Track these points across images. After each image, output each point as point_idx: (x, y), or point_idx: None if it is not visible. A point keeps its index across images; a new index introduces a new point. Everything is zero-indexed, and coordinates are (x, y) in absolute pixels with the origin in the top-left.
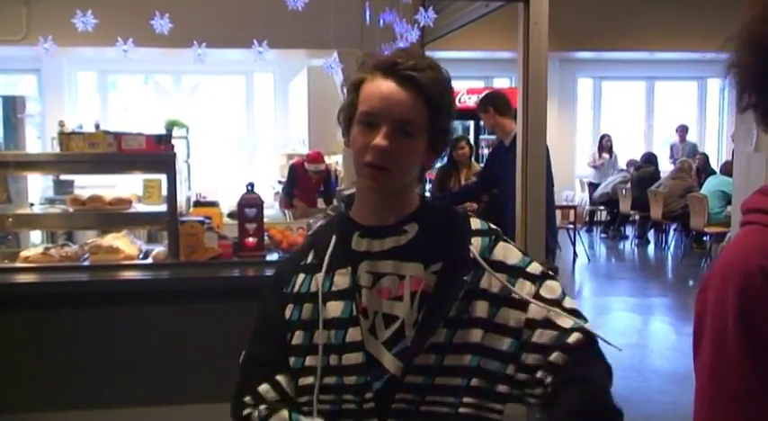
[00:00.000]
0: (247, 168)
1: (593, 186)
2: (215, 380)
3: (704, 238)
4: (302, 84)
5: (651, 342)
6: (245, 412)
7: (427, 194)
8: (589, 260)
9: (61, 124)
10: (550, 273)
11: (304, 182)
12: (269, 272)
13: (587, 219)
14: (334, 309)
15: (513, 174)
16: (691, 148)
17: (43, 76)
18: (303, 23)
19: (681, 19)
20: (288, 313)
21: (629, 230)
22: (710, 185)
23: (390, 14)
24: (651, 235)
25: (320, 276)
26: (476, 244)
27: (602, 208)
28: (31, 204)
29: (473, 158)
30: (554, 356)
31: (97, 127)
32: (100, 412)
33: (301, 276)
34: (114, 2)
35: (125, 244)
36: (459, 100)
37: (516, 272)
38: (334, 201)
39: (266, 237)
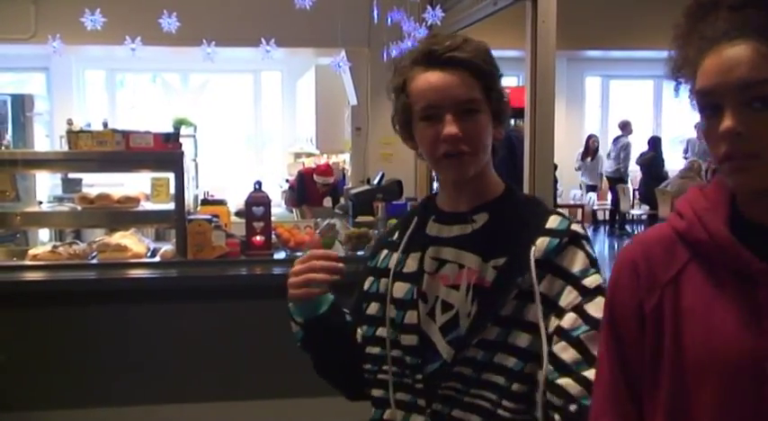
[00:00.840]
0: (255, 167)
1: (590, 188)
2: (223, 378)
3: None
4: (310, 82)
5: None
6: None
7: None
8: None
9: (69, 122)
10: (602, 289)
11: (311, 191)
12: (276, 270)
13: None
14: (400, 289)
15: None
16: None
17: (52, 75)
18: (311, 22)
19: None
20: (367, 285)
21: (636, 230)
22: None
23: (398, 13)
24: None
25: (396, 255)
26: (540, 244)
27: (607, 205)
28: (40, 202)
29: None
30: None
31: (105, 125)
32: (107, 410)
33: (384, 251)
34: (123, 0)
35: (133, 242)
36: None
37: (571, 279)
38: (342, 201)
39: (274, 236)
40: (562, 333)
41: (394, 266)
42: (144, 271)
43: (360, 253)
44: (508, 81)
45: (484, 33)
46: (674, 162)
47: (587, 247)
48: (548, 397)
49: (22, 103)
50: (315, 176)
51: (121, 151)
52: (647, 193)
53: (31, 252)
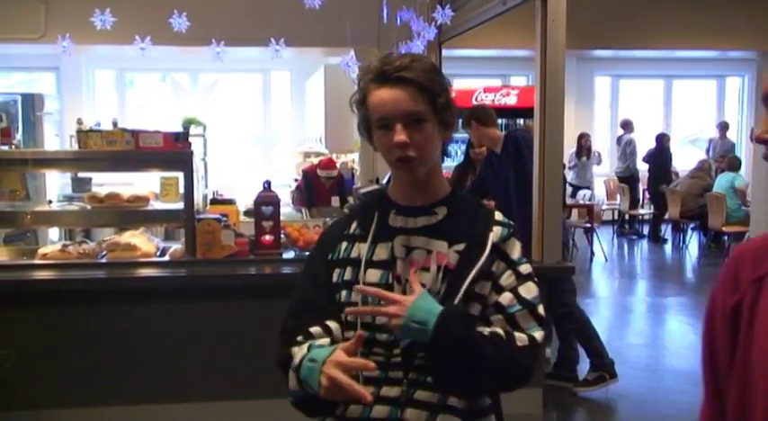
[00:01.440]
0: (264, 166)
1: (573, 188)
2: (231, 377)
3: (723, 238)
4: (319, 82)
5: (668, 342)
6: (293, 349)
7: None
8: (606, 259)
9: (79, 122)
10: (535, 278)
11: (317, 187)
12: (285, 269)
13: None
14: (374, 275)
15: (508, 178)
16: (731, 146)
17: (62, 74)
18: (320, 22)
19: (700, 17)
20: (335, 277)
21: (646, 229)
22: (722, 183)
23: (407, 12)
24: (668, 234)
25: (364, 246)
26: (496, 232)
27: (617, 204)
28: (50, 201)
29: None
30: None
31: (115, 125)
32: (116, 409)
33: (344, 244)
34: (132, 0)
35: (142, 241)
36: (476, 98)
37: (512, 264)
38: (350, 200)
39: (283, 235)
40: (500, 308)
41: (365, 255)
42: (153, 270)
43: None
44: (517, 80)
45: (493, 33)
46: (683, 161)
47: (520, 239)
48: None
49: (32, 103)
50: (318, 171)
51: (131, 151)
52: (655, 192)
53: (41, 251)
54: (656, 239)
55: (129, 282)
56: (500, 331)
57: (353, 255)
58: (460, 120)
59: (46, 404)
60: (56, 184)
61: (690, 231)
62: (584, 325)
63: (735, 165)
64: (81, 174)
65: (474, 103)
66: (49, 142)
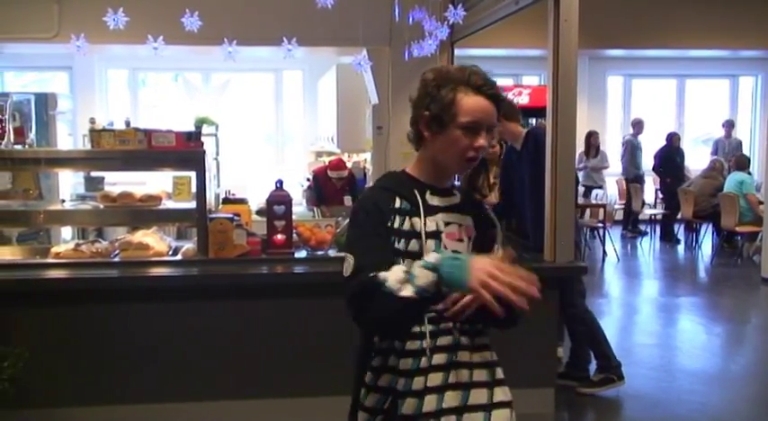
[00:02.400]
0: (276, 165)
1: (585, 188)
2: (244, 376)
3: (736, 238)
4: (331, 81)
5: (681, 342)
6: (379, 274)
7: None
8: (618, 259)
9: (92, 121)
10: None
11: (327, 188)
12: (297, 269)
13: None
14: (430, 245)
15: (528, 174)
16: (737, 145)
17: (75, 74)
18: (332, 21)
19: (713, 16)
20: (400, 244)
21: (651, 229)
22: (733, 183)
23: (420, 12)
24: (681, 234)
25: (418, 220)
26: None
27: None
28: (63, 201)
29: (502, 157)
30: None
31: (128, 124)
32: (129, 407)
33: (398, 217)
34: (145, 0)
35: (155, 240)
36: None
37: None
38: None
39: (295, 235)
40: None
41: (419, 229)
42: (165, 269)
43: None
44: (529, 80)
45: (505, 32)
46: (696, 161)
47: None
48: None
49: (45, 102)
50: (329, 172)
51: (143, 150)
52: (665, 192)
53: (54, 250)
54: (668, 239)
55: (141, 281)
56: None
57: (406, 227)
58: None
59: (60, 403)
60: (69, 184)
61: (703, 231)
62: (591, 326)
63: (744, 163)
64: (94, 174)
65: None
66: (62, 141)
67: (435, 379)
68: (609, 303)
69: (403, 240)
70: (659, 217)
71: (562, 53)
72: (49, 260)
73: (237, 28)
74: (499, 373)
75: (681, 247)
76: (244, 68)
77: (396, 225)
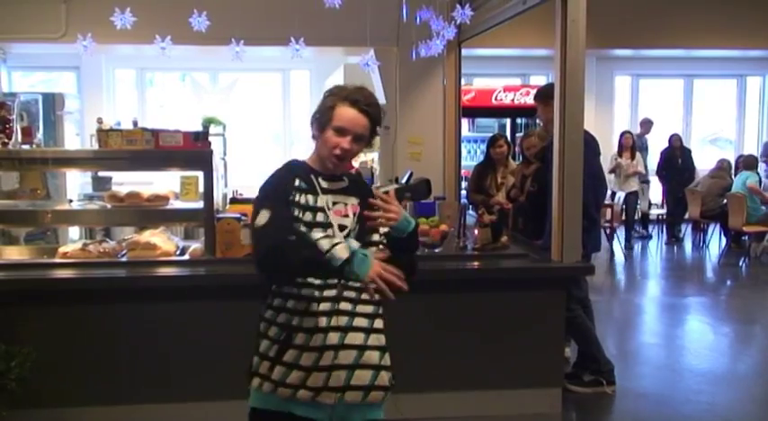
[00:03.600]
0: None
1: (630, 197)
2: None
3: (743, 238)
4: (338, 81)
5: (688, 342)
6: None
7: (463, 192)
8: (626, 259)
9: (99, 121)
10: None
11: None
12: None
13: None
14: (321, 217)
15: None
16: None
17: (82, 74)
18: (340, 21)
19: (720, 16)
20: (296, 212)
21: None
22: (740, 183)
23: (427, 12)
24: (688, 234)
25: (311, 196)
26: (376, 191)
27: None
28: (70, 200)
29: (509, 157)
30: None
31: (135, 124)
32: (136, 407)
33: (297, 193)
34: (152, 0)
35: (162, 240)
36: (496, 98)
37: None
38: None
39: None
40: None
41: (313, 204)
42: (173, 269)
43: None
44: (537, 80)
45: (513, 32)
46: (704, 162)
47: None
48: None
49: (52, 102)
50: None
51: (151, 150)
52: (669, 192)
53: (62, 250)
54: (668, 240)
55: (148, 280)
56: None
57: (304, 201)
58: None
59: (67, 402)
60: (76, 183)
61: (710, 231)
62: (584, 330)
63: (752, 163)
64: (101, 174)
65: (493, 102)
66: (69, 141)
67: (321, 321)
68: (616, 303)
69: (302, 211)
70: (665, 217)
71: (569, 53)
72: (57, 260)
73: (245, 28)
74: (378, 323)
75: (688, 247)
76: (251, 68)
77: (296, 199)
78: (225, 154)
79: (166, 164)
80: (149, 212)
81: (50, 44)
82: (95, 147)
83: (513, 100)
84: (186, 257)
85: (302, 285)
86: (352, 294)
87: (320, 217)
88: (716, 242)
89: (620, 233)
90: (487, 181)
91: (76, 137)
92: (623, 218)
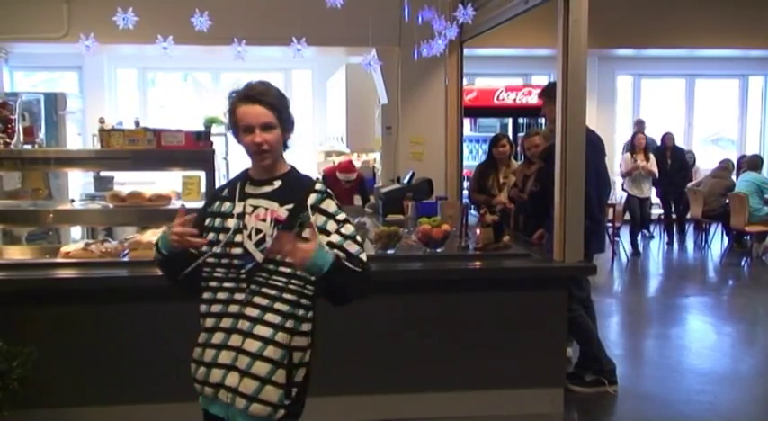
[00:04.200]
0: None
1: (635, 200)
2: None
3: (745, 238)
4: (340, 81)
5: (690, 341)
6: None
7: (465, 192)
8: (628, 259)
9: (101, 121)
10: (348, 220)
11: (336, 188)
12: None
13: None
14: (231, 222)
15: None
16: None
17: (84, 74)
18: (342, 21)
19: (722, 16)
20: (207, 221)
21: (659, 229)
22: (744, 183)
23: (429, 12)
24: (690, 233)
25: (227, 203)
26: (312, 197)
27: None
28: (72, 200)
29: (512, 157)
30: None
31: (137, 124)
32: (137, 407)
33: (217, 202)
34: (155, 0)
35: None
36: (497, 97)
37: (329, 216)
38: (372, 199)
39: None
40: (333, 245)
41: (229, 210)
42: None
43: (390, 251)
44: (539, 79)
45: (515, 31)
46: (706, 161)
47: (335, 200)
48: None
49: (54, 102)
50: (338, 174)
51: (153, 149)
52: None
53: (64, 249)
54: (669, 241)
55: (150, 280)
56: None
57: (223, 209)
58: (541, 94)
59: (68, 402)
60: (78, 183)
61: (713, 231)
62: (586, 330)
63: (756, 164)
64: (103, 173)
65: (495, 101)
66: (71, 141)
67: (226, 322)
68: (618, 303)
69: (213, 218)
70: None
71: (571, 52)
72: (59, 260)
73: (247, 28)
74: (281, 338)
75: (690, 247)
76: (253, 68)
77: (213, 208)
78: (227, 154)
79: (168, 163)
80: (151, 212)
81: (53, 44)
82: (97, 146)
83: (514, 100)
84: None
85: (216, 289)
86: (263, 301)
87: (230, 223)
88: (718, 242)
89: (624, 234)
90: (489, 181)
91: (78, 137)
92: (626, 218)
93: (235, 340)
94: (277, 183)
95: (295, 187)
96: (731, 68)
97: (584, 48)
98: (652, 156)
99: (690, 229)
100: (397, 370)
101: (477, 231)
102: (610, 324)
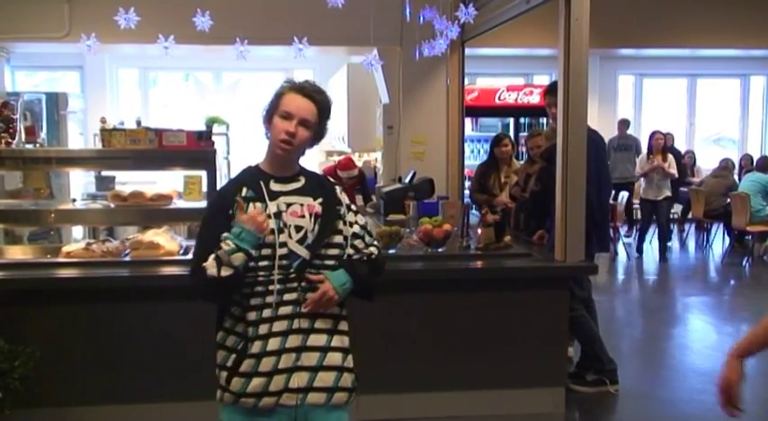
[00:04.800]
0: None
1: (649, 204)
2: None
3: (747, 237)
4: (342, 81)
5: (691, 341)
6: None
7: (466, 192)
8: (629, 258)
9: (103, 121)
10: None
11: None
12: None
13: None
14: (271, 223)
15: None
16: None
17: (85, 73)
18: (343, 20)
19: (724, 15)
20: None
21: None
22: (748, 183)
23: (430, 11)
24: (692, 233)
25: (259, 204)
26: (338, 189)
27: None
28: (73, 200)
29: (513, 156)
30: (366, 249)
31: (138, 123)
32: (139, 407)
33: (244, 203)
34: (156, 0)
35: (166, 239)
36: (499, 97)
37: (347, 207)
38: (373, 198)
39: None
40: (356, 236)
41: (267, 210)
42: (176, 268)
43: (391, 251)
44: (540, 79)
45: (516, 31)
46: (707, 161)
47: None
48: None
49: (56, 102)
50: (338, 172)
51: (154, 149)
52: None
53: (65, 249)
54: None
55: (152, 280)
56: (365, 251)
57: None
58: (546, 95)
59: (70, 402)
60: (79, 183)
61: (714, 231)
62: (588, 329)
63: (766, 166)
64: (104, 173)
65: (497, 101)
66: (72, 141)
67: (280, 325)
68: (620, 302)
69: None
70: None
71: (573, 52)
72: (60, 259)
73: (248, 27)
74: (343, 325)
75: (692, 247)
76: (254, 68)
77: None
78: (228, 153)
79: (170, 163)
80: (153, 212)
81: (54, 44)
82: (99, 146)
83: (516, 99)
84: (189, 257)
85: (263, 294)
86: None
87: (271, 224)
88: (719, 242)
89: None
90: (491, 180)
91: (80, 136)
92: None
93: (293, 341)
94: (302, 179)
95: (315, 182)
96: (733, 68)
97: (585, 47)
98: (671, 157)
99: (691, 229)
100: (398, 369)
101: (479, 231)
102: (611, 323)
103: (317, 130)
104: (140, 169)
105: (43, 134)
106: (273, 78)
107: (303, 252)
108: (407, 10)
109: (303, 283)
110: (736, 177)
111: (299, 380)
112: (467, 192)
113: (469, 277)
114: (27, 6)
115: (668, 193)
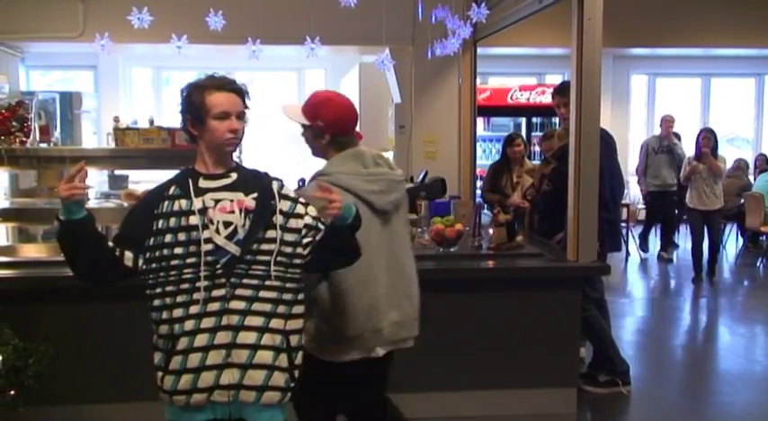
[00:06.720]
0: (298, 164)
1: (696, 214)
2: None
3: (761, 238)
4: (354, 80)
5: (704, 342)
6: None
7: (478, 191)
8: (642, 259)
9: (116, 120)
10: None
11: None
12: None
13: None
14: (195, 219)
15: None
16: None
17: (99, 73)
18: (355, 20)
19: (738, 14)
20: (160, 223)
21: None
22: (763, 183)
23: (443, 10)
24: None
25: (184, 201)
26: (275, 185)
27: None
28: (87, 199)
29: (526, 156)
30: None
31: (151, 122)
32: (154, 404)
33: (166, 202)
34: None
35: None
36: (511, 97)
37: (293, 200)
38: None
39: None
40: (310, 226)
41: (187, 207)
42: None
43: None
44: (553, 79)
45: (529, 31)
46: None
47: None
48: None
49: (70, 101)
50: None
51: (167, 148)
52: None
53: None
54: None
55: None
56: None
57: (176, 208)
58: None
59: (83, 399)
60: (93, 182)
61: (728, 231)
62: (600, 330)
63: None
64: (118, 172)
65: (509, 101)
66: (86, 140)
67: (208, 322)
68: (632, 303)
69: (167, 219)
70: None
71: (586, 52)
72: None
73: (261, 27)
74: (275, 324)
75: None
76: (267, 67)
77: (163, 209)
78: (240, 152)
79: (183, 162)
80: None
81: (68, 43)
82: (112, 145)
83: (528, 99)
84: None
85: (190, 290)
86: (247, 292)
87: (192, 220)
88: (733, 242)
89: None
90: (503, 180)
91: (93, 135)
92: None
93: (222, 337)
94: (234, 175)
95: (251, 178)
96: (747, 67)
97: (598, 47)
98: (720, 155)
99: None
100: (410, 369)
101: (491, 231)
102: (623, 324)
103: (245, 117)
104: (153, 168)
105: (57, 133)
106: (286, 78)
107: (232, 248)
108: (420, 9)
109: (232, 279)
110: (750, 177)
111: (230, 376)
112: (479, 191)
113: (481, 277)
114: (41, 6)
115: (719, 206)
